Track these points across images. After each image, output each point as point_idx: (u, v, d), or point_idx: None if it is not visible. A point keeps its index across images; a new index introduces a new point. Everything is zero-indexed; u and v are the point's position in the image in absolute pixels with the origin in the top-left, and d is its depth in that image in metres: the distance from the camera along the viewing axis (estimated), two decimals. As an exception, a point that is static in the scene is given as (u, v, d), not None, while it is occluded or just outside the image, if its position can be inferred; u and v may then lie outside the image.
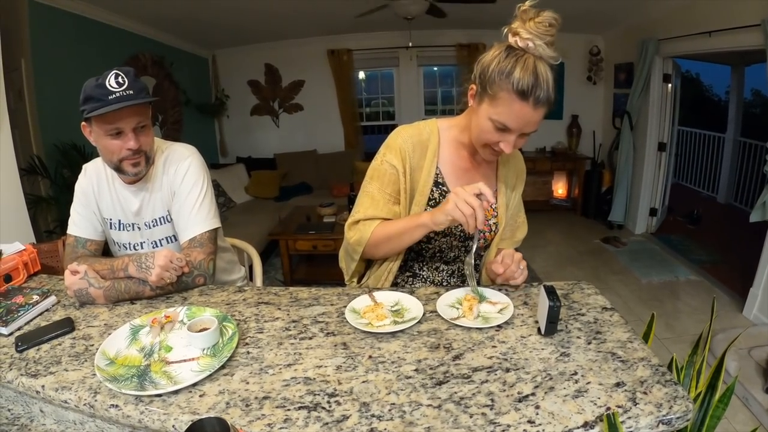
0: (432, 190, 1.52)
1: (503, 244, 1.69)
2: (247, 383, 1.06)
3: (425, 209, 1.51)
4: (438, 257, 1.63)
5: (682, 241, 5.62)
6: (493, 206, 1.59)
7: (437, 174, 1.53)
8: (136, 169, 1.60)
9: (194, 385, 1.05)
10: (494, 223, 1.60)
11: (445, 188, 1.53)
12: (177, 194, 1.72)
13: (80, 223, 1.76)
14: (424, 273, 1.66)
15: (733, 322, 3.73)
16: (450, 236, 1.56)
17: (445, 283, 1.66)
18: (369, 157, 1.65)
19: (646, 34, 5.29)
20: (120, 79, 1.48)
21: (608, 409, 0.92)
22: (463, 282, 1.66)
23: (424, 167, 1.51)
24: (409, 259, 1.65)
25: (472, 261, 1.40)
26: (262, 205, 6.12)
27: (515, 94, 1.25)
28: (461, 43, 6.57)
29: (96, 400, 1.03)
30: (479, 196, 1.26)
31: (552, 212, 7.03)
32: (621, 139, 5.88)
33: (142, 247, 1.80)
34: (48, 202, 3.62)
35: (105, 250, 1.86)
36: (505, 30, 1.31)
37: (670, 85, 5.45)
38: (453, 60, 6.78)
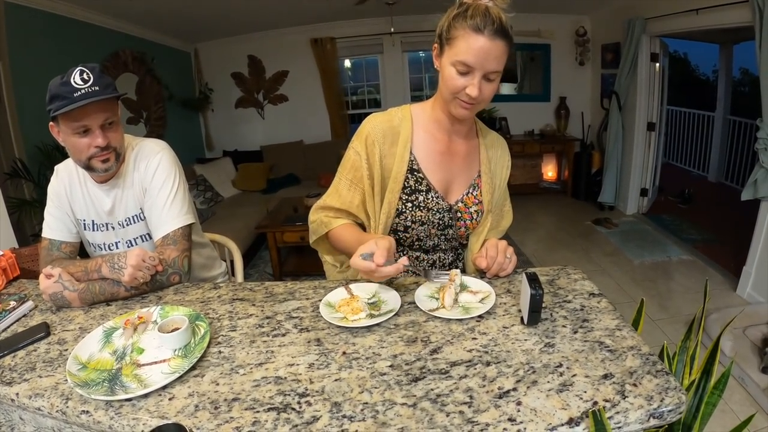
0: (407, 177, 1.49)
1: (488, 234, 1.65)
2: (217, 384, 1.02)
3: (399, 196, 1.49)
4: (417, 246, 1.59)
5: (674, 220, 5.61)
6: (474, 194, 1.56)
7: (411, 161, 1.50)
8: (105, 165, 1.57)
9: (164, 387, 1.02)
10: (476, 211, 1.56)
11: (420, 174, 1.50)
12: (148, 191, 1.69)
13: (54, 226, 1.74)
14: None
15: (726, 301, 3.71)
16: (427, 224, 1.52)
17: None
18: (356, 146, 1.61)
19: (632, 13, 5.25)
20: (85, 76, 1.45)
21: (595, 404, 0.87)
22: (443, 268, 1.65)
23: (397, 153, 1.49)
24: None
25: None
26: (250, 198, 6.08)
27: (469, 29, 1.27)
28: (447, 26, 6.48)
29: (68, 407, 1.00)
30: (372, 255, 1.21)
31: (542, 195, 7.02)
32: (610, 119, 5.85)
33: (117, 247, 1.77)
34: (32, 205, 3.58)
35: (82, 251, 1.83)
36: None
37: (657, 64, 5.42)
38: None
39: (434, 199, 1.50)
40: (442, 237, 1.58)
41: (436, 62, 1.41)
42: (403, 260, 1.22)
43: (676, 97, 8.16)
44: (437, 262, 1.63)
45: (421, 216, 1.50)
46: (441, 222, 1.53)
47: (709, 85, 9.55)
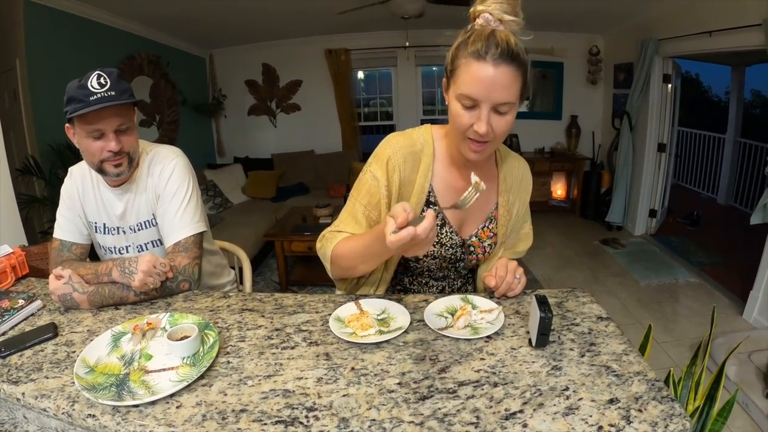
0: (423, 209, 1.41)
1: (504, 254, 1.60)
2: (225, 395, 1.03)
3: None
4: (427, 274, 1.56)
5: (682, 242, 5.58)
6: (490, 227, 1.51)
7: (430, 192, 1.42)
8: (117, 170, 1.59)
9: (172, 395, 1.02)
10: (489, 245, 1.51)
11: (437, 208, 1.42)
12: (161, 197, 1.70)
13: (65, 227, 1.75)
14: (414, 288, 1.59)
15: (733, 326, 3.69)
16: (439, 258, 1.49)
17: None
18: (367, 157, 1.56)
19: (646, 33, 5.25)
20: (102, 80, 1.47)
21: (600, 429, 0.87)
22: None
23: (417, 182, 1.40)
24: (398, 272, 1.57)
25: None
26: (259, 206, 6.09)
27: (471, 57, 1.16)
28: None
29: (74, 409, 1.00)
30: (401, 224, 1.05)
31: (551, 213, 7.00)
32: (620, 139, 5.84)
33: (127, 251, 1.79)
34: (42, 202, 3.61)
35: (92, 254, 1.85)
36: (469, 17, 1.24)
37: (669, 85, 5.41)
38: (452, 60, 6.70)
39: (448, 234, 1.45)
40: (452, 269, 1.55)
41: (446, 97, 1.30)
42: (430, 213, 1.07)
43: (687, 118, 8.16)
44: (447, 288, 1.61)
45: (433, 251, 1.45)
46: (453, 257, 1.49)
47: (721, 106, 9.53)
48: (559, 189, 7.34)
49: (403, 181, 1.39)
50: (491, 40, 1.13)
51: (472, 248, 1.50)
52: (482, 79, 1.14)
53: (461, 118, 1.21)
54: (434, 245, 1.44)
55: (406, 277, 1.59)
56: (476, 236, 1.50)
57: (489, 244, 1.51)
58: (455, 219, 1.46)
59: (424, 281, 1.58)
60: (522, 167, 1.56)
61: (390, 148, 1.40)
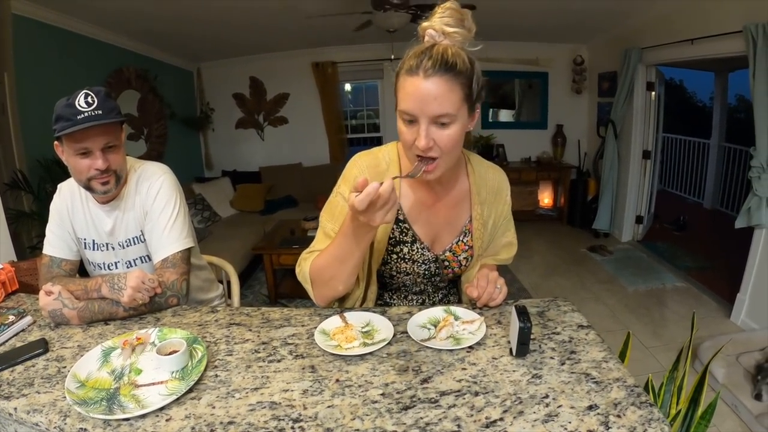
0: (393, 229, 1.43)
1: (485, 260, 1.61)
2: (214, 407, 1.04)
3: (386, 246, 1.44)
4: (404, 289, 1.58)
5: (669, 248, 5.64)
6: (465, 240, 1.49)
7: (399, 210, 1.42)
8: (105, 187, 1.61)
9: (161, 409, 1.04)
10: (465, 258, 1.51)
11: (406, 225, 1.44)
12: (149, 214, 1.72)
13: (55, 243, 1.77)
14: (394, 302, 1.60)
15: (720, 328, 3.73)
16: (412, 274, 1.50)
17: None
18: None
19: (629, 43, 5.33)
20: (89, 99, 1.49)
21: (578, 435, 0.89)
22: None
23: None
24: (379, 287, 1.57)
25: None
26: (247, 219, 6.09)
27: (405, 73, 1.17)
28: (445, 53, 6.52)
29: (65, 423, 1.01)
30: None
31: (538, 222, 7.04)
32: (605, 147, 5.90)
33: (116, 267, 1.80)
34: (31, 217, 3.59)
35: (82, 269, 1.86)
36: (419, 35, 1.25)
37: (653, 93, 5.48)
38: (438, 71, 6.72)
39: (419, 250, 1.45)
40: (429, 284, 1.56)
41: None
42: (388, 180, 1.07)
43: (672, 124, 8.23)
44: (427, 300, 1.61)
45: (405, 267, 1.47)
46: (427, 272, 1.50)
47: (706, 112, 9.63)
48: (546, 198, 7.39)
49: None
50: (425, 54, 1.14)
51: (446, 263, 1.50)
52: (414, 93, 1.14)
53: (404, 135, 1.21)
54: (406, 262, 1.46)
55: (386, 293, 1.60)
56: (450, 251, 1.49)
57: (465, 257, 1.50)
58: (427, 235, 1.46)
59: (403, 295, 1.59)
60: (498, 177, 1.54)
61: (356, 168, 1.42)
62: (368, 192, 1.03)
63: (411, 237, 1.44)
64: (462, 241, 1.49)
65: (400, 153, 1.44)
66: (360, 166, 1.41)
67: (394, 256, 1.46)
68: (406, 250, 1.45)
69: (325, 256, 1.32)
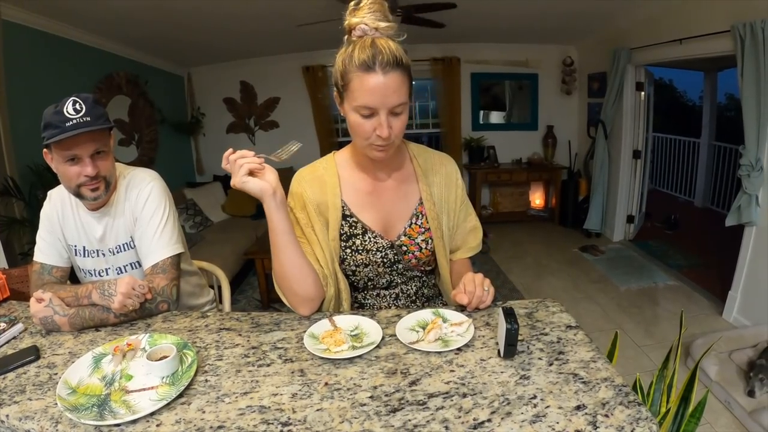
0: (342, 224, 1.51)
1: (458, 254, 1.67)
2: (204, 412, 1.04)
3: (339, 243, 1.51)
4: (371, 285, 1.58)
5: (660, 246, 5.67)
6: (419, 223, 1.55)
7: (343, 207, 1.51)
8: (94, 194, 1.61)
9: (152, 414, 1.03)
10: (423, 240, 1.54)
11: (353, 219, 1.51)
12: (139, 220, 1.73)
13: (46, 250, 1.77)
14: (369, 301, 1.61)
15: (713, 326, 3.76)
16: (371, 265, 1.52)
17: (393, 308, 1.60)
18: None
19: (618, 43, 5.36)
20: (77, 106, 1.50)
21: (565, 435, 0.89)
22: (413, 303, 1.63)
23: (329, 201, 1.50)
24: (352, 290, 1.59)
25: None
26: (239, 224, 6.07)
27: (360, 70, 1.24)
28: (435, 57, 6.55)
29: (57, 430, 1.01)
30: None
31: (530, 223, 7.05)
32: (596, 147, 5.93)
33: (107, 274, 1.80)
34: (22, 224, 3.57)
35: (73, 276, 1.86)
36: (345, 34, 1.34)
37: (643, 92, 5.52)
38: (428, 74, 6.78)
39: (372, 239, 1.50)
40: (394, 273, 1.57)
41: (341, 111, 1.38)
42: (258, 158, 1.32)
43: (662, 124, 8.29)
44: (401, 294, 1.61)
45: (362, 259, 1.50)
46: (385, 260, 1.52)
47: (696, 110, 9.69)
48: (537, 199, 7.41)
49: (318, 202, 1.50)
50: (375, 50, 1.23)
51: (404, 248, 1.53)
52: (375, 88, 1.23)
53: (362, 127, 1.30)
54: (360, 253, 1.50)
55: (359, 294, 1.62)
56: (405, 235, 1.54)
57: (423, 240, 1.54)
58: (377, 223, 1.52)
59: (375, 293, 1.60)
60: (445, 162, 1.63)
61: (296, 182, 1.54)
62: (224, 156, 1.30)
63: (361, 228, 1.51)
64: (416, 224, 1.54)
65: (336, 161, 1.56)
66: (298, 179, 1.54)
67: (348, 251, 1.50)
68: (358, 242, 1.50)
69: (273, 261, 1.45)
